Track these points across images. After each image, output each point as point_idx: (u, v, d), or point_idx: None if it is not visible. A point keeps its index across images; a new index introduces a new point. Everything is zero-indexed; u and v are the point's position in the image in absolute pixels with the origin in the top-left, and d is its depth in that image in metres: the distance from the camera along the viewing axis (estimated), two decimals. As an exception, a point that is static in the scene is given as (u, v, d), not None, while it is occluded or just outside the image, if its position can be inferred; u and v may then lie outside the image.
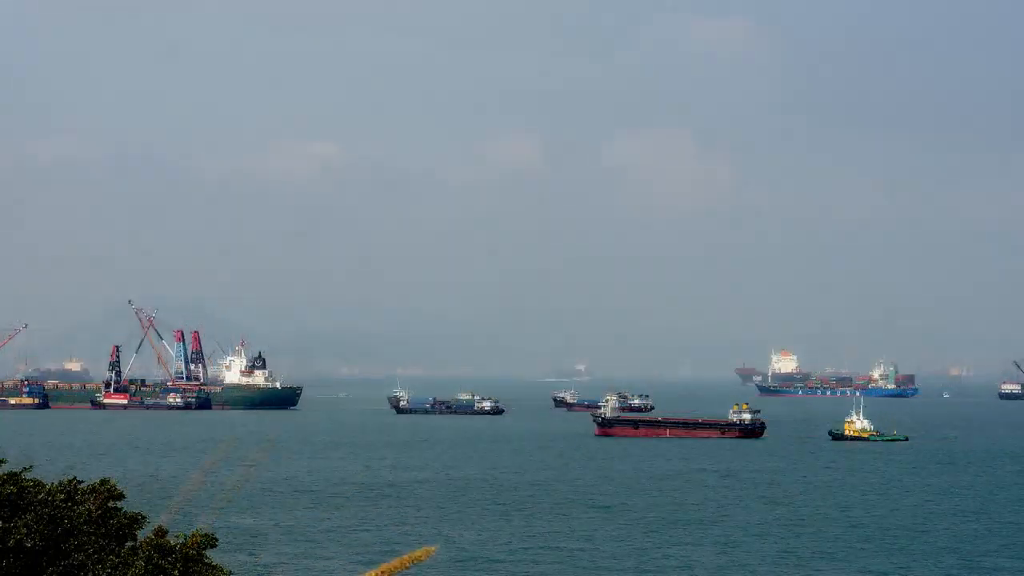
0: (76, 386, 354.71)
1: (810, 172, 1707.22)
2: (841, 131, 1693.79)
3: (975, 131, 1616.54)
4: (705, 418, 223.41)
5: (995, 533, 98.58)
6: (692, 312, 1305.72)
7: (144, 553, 23.59)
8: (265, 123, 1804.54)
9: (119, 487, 24.77)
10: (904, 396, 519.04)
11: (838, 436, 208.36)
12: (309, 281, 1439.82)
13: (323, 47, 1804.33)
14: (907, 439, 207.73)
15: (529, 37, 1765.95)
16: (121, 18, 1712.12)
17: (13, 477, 23.92)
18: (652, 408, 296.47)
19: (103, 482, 24.83)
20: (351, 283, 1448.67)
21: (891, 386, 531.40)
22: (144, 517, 25.37)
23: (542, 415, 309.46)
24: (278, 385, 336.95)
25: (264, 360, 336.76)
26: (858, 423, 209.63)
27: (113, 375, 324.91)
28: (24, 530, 22.95)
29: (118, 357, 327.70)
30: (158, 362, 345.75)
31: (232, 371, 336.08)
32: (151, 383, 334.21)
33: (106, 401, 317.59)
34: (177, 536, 24.99)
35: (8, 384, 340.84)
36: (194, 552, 24.77)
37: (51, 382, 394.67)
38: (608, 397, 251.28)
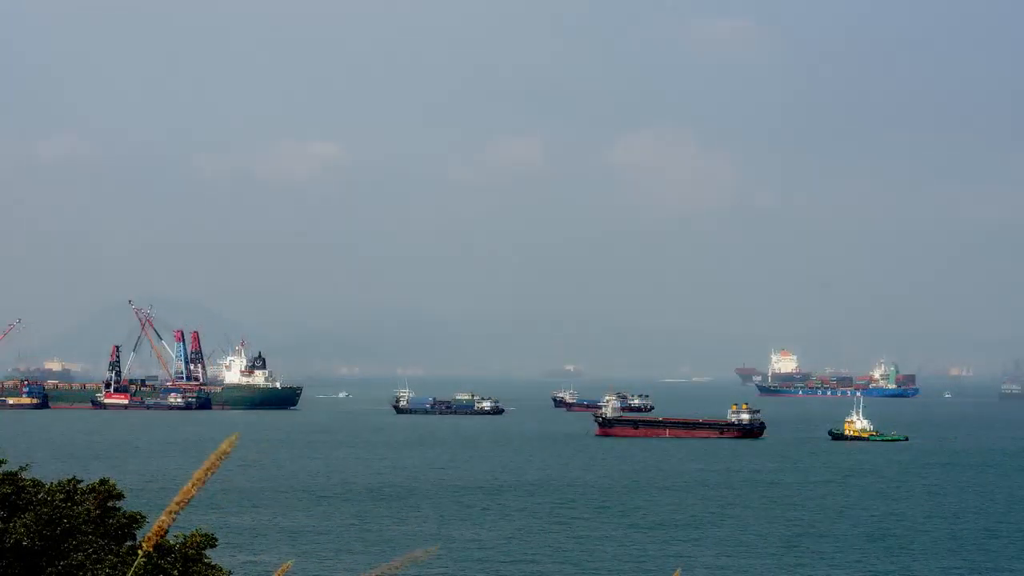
0: (76, 386, 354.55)
1: (810, 172, 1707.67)
2: (841, 131, 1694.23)
3: (975, 131, 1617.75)
4: (705, 418, 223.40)
5: (995, 533, 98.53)
6: (692, 312, 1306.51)
7: (143, 553, 23.52)
8: (266, 123, 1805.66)
9: (118, 487, 24.74)
10: (905, 396, 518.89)
11: (838, 436, 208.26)
12: (309, 281, 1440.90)
13: (324, 48, 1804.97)
14: (907, 439, 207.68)
15: (530, 38, 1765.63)
16: (122, 19, 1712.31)
17: (11, 477, 23.89)
18: (652, 408, 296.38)
19: (102, 482, 24.80)
20: (351, 283, 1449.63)
21: (892, 386, 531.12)
22: (143, 517, 25.34)
23: (542, 415, 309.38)
24: (278, 385, 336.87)
25: (264, 360, 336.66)
26: (858, 423, 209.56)
27: (113, 375, 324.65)
28: (23, 530, 22.90)
29: (118, 357, 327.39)
30: (159, 362, 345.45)
31: (232, 371, 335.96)
32: (151, 383, 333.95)
33: (107, 401, 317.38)
34: (177, 536, 24.95)
35: (8, 384, 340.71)
36: (194, 552, 24.73)
37: (51, 382, 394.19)
38: (608, 397, 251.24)
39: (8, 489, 23.64)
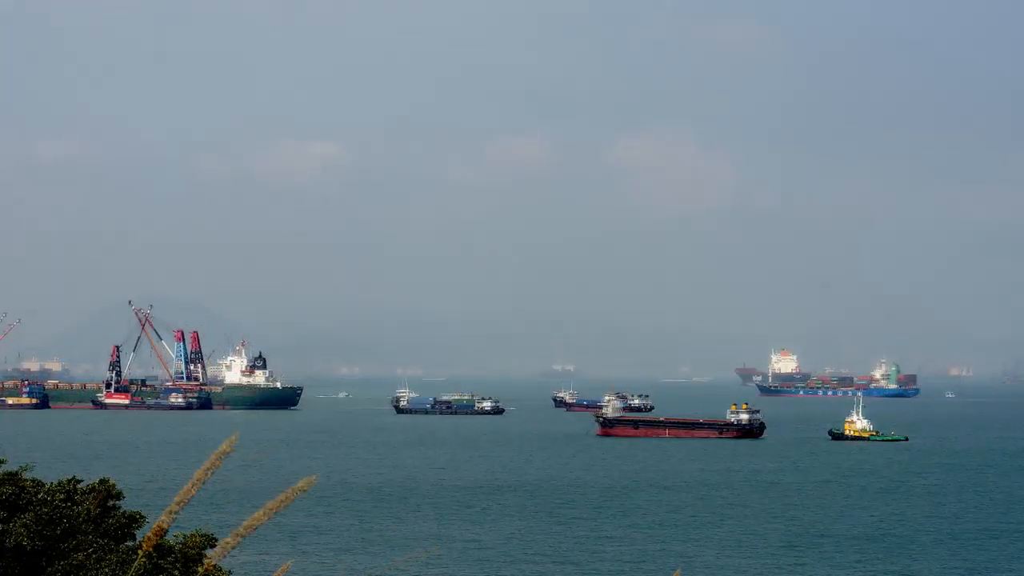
0: (76, 386, 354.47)
1: (810, 172, 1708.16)
2: (841, 131, 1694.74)
3: (975, 131, 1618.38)
4: (704, 418, 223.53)
5: (995, 533, 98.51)
6: (692, 312, 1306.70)
7: (143, 553, 23.54)
8: (266, 123, 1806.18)
9: (118, 486, 24.73)
10: (906, 396, 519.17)
11: (838, 436, 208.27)
12: (309, 281, 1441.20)
13: (323, 48, 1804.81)
14: (907, 439, 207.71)
15: (530, 38, 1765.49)
16: (122, 19, 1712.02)
17: (13, 477, 23.89)
18: (652, 408, 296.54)
19: (102, 481, 24.79)
20: (351, 283, 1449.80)
21: (893, 386, 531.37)
22: (143, 516, 25.35)
23: (542, 415, 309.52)
24: (279, 385, 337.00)
25: (264, 360, 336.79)
26: (858, 423, 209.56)
27: (113, 375, 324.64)
28: (23, 531, 22.91)
29: (118, 357, 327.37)
30: (159, 362, 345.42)
31: (233, 371, 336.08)
32: (151, 383, 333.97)
33: (107, 401, 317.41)
34: (176, 536, 24.96)
35: (8, 384, 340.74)
36: (194, 552, 24.71)
37: (51, 382, 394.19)
38: (608, 397, 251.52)
39: (10, 489, 23.64)
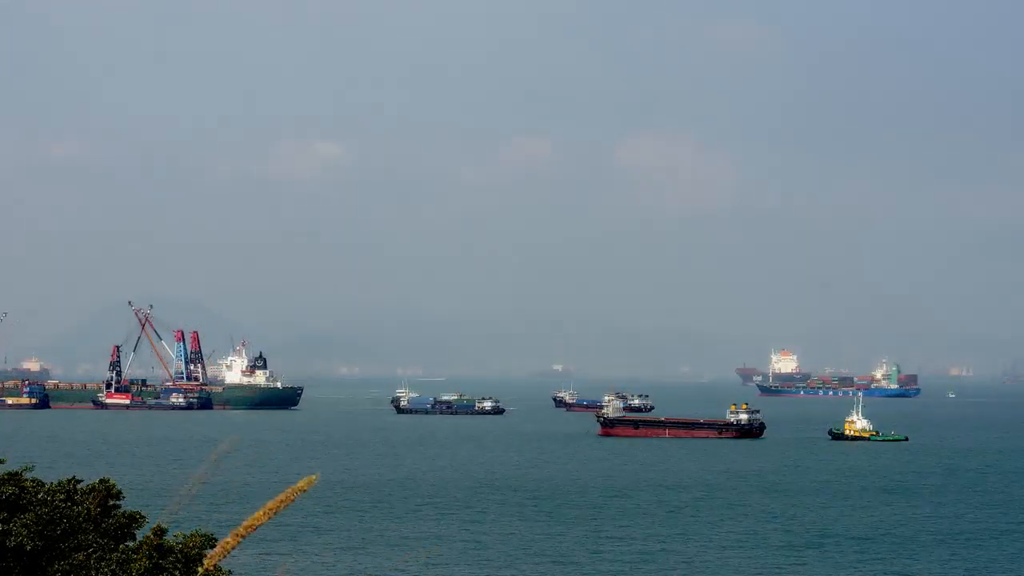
0: (77, 386, 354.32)
1: (810, 172, 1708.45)
2: (841, 131, 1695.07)
3: (975, 131, 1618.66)
4: (704, 418, 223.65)
5: (995, 533, 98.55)
6: (692, 312, 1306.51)
7: (144, 553, 23.55)
8: (266, 123, 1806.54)
9: (117, 486, 24.73)
10: (907, 396, 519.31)
11: (838, 436, 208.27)
12: (309, 281, 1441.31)
13: (323, 48, 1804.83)
14: (907, 439, 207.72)
15: (532, 39, 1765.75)
16: (123, 18, 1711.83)
17: (14, 477, 23.89)
18: (652, 408, 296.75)
19: (102, 481, 24.79)
20: (351, 283, 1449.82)
21: (894, 386, 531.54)
22: (143, 516, 25.35)
23: (542, 415, 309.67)
24: (279, 385, 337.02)
25: (265, 360, 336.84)
26: (858, 423, 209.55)
27: (114, 375, 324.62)
28: (24, 531, 22.91)
29: (119, 357, 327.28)
30: (159, 362, 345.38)
31: (233, 371, 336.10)
32: (152, 383, 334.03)
33: (108, 401, 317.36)
34: (176, 536, 24.97)
35: (8, 384, 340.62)
36: (195, 552, 24.72)
37: (51, 382, 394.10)
38: (608, 397, 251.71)
39: (10, 489, 23.66)
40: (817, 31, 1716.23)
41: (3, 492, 23.36)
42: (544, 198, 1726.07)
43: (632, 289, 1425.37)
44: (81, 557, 22.91)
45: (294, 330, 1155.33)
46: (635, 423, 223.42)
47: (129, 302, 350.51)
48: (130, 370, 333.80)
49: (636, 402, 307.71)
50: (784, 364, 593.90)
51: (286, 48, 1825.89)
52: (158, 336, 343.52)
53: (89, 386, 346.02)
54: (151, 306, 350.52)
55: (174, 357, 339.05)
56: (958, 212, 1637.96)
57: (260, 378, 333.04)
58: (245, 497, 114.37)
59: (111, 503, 24.81)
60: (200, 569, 24.02)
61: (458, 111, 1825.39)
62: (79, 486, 24.88)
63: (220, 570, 25.67)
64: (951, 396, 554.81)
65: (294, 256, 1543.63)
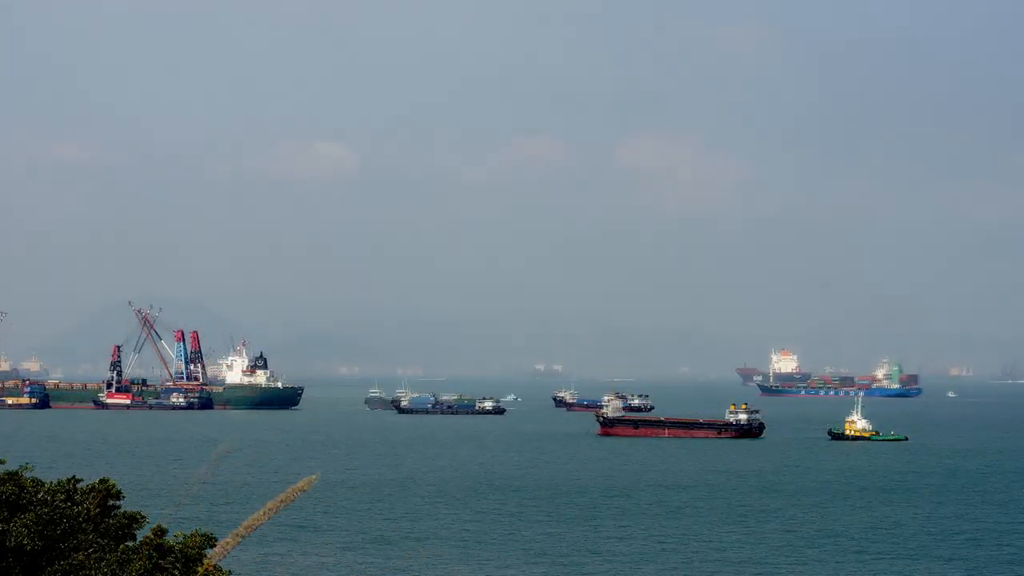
0: (77, 386, 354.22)
1: (811, 172, 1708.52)
2: (842, 132, 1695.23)
3: (975, 131, 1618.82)
4: (704, 418, 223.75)
5: (995, 533, 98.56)
6: (692, 312, 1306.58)
7: (144, 553, 23.60)
8: (267, 123, 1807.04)
9: (117, 486, 24.78)
10: (908, 396, 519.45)
11: (838, 436, 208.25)
12: (309, 281, 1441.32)
13: (324, 48, 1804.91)
14: (907, 439, 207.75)
15: (535, 39, 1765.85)
16: (122, 18, 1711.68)
17: (13, 476, 23.94)
18: (652, 408, 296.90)
19: (102, 481, 24.84)
20: (351, 283, 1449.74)
21: (895, 386, 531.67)
22: (143, 516, 25.38)
23: (542, 415, 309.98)
24: (280, 385, 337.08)
25: (265, 360, 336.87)
26: (858, 423, 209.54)
27: (114, 375, 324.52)
28: (24, 531, 22.95)
29: (119, 357, 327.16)
30: (159, 362, 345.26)
31: (234, 371, 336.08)
32: (152, 383, 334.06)
33: (109, 401, 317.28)
34: (176, 536, 25.00)
35: (8, 384, 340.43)
36: (194, 552, 24.76)
37: (51, 381, 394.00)
38: (608, 397, 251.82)
39: (10, 488, 23.70)
40: (818, 31, 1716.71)
41: (2, 492, 23.41)
42: (544, 198, 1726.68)
43: (632, 289, 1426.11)
44: (81, 557, 22.94)
45: (294, 330, 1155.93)
46: (635, 423, 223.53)
47: (129, 302, 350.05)
48: (130, 370, 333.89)
49: (636, 402, 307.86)
50: (784, 364, 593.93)
51: (287, 48, 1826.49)
52: (158, 336, 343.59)
53: (89, 386, 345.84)
54: (160, 309, 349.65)
55: (174, 357, 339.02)
56: (958, 212, 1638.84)
57: (261, 378, 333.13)
58: (245, 497, 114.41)
59: (111, 503, 24.85)
60: (200, 569, 24.07)
61: (458, 111, 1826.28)
62: (79, 486, 24.92)
63: (220, 570, 25.70)
64: (951, 396, 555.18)
65: (294, 256, 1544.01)
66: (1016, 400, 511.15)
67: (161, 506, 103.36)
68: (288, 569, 78.71)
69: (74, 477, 25.20)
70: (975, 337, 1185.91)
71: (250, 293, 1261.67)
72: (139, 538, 24.97)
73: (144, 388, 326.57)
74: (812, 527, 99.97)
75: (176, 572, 23.64)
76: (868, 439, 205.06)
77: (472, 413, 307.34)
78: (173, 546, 24.32)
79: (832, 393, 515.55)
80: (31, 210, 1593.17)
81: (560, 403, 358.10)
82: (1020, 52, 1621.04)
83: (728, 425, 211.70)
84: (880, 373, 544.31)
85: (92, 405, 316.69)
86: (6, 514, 23.03)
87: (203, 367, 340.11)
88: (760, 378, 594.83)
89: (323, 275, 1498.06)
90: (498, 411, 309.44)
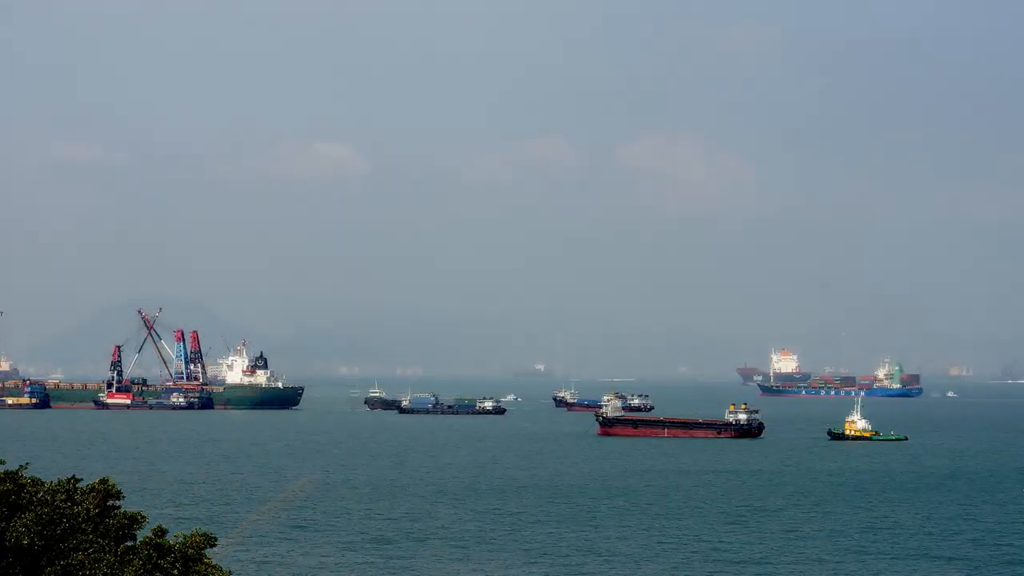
0: (78, 386, 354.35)
1: (810, 172, 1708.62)
2: (841, 131, 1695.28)
3: (975, 131, 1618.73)
4: (703, 418, 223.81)
5: (994, 533, 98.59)
6: (692, 312, 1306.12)
7: (143, 553, 23.63)
8: (268, 123, 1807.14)
9: (117, 486, 24.82)
10: (909, 396, 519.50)
11: (837, 436, 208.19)
12: (309, 281, 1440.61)
13: (326, 48, 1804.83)
14: (907, 439, 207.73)
15: (538, 40, 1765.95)
16: (123, 18, 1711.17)
17: (12, 475, 23.96)
18: (651, 408, 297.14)
19: (102, 481, 24.86)
20: (351, 283, 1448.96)
21: (896, 386, 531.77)
22: (143, 517, 25.40)
23: (542, 415, 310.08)
24: (280, 385, 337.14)
25: (266, 360, 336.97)
26: (858, 423, 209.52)
27: (114, 375, 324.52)
28: (24, 530, 22.97)
29: (120, 357, 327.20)
30: (160, 362, 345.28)
31: (234, 371, 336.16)
32: (152, 383, 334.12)
33: (109, 401, 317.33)
34: (176, 536, 25.02)
35: (8, 384, 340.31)
36: (194, 552, 24.79)
37: (51, 381, 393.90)
38: (608, 397, 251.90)
39: (9, 487, 23.74)
40: (818, 32, 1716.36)
41: (2, 491, 23.43)
42: (545, 198, 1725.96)
43: (632, 289, 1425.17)
44: (80, 557, 22.96)
45: (294, 330, 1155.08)
46: (634, 423, 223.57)
47: (139, 311, 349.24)
48: (131, 370, 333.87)
49: (636, 402, 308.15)
50: (784, 364, 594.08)
51: (287, 48, 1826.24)
52: (158, 336, 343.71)
53: (90, 386, 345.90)
54: (160, 309, 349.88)
55: (174, 357, 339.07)
56: (958, 212, 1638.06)
57: (261, 378, 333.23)
58: (245, 497, 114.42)
59: (111, 503, 24.87)
60: (200, 568, 24.09)
61: (459, 111, 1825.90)
62: (79, 486, 24.95)
63: (220, 570, 25.72)
64: (951, 395, 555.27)
65: (294, 256, 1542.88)
66: (1016, 400, 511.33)
67: (161, 506, 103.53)
68: (288, 569, 78.74)
69: (74, 477, 25.23)
70: (975, 337, 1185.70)
71: (250, 293, 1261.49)
72: (139, 538, 25.00)
73: (144, 388, 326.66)
74: (812, 527, 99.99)
75: (175, 572, 23.64)
76: (868, 439, 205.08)
77: (472, 413, 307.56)
78: (173, 546, 24.33)
79: (833, 393, 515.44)
80: (31, 210, 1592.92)
81: (560, 403, 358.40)
82: (1021, 52, 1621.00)
83: (728, 425, 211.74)
84: (881, 373, 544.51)
85: (92, 405, 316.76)
86: (6, 513, 23.05)
87: (203, 367, 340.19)
88: (760, 378, 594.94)
89: (323, 275, 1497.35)
90: (498, 411, 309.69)
